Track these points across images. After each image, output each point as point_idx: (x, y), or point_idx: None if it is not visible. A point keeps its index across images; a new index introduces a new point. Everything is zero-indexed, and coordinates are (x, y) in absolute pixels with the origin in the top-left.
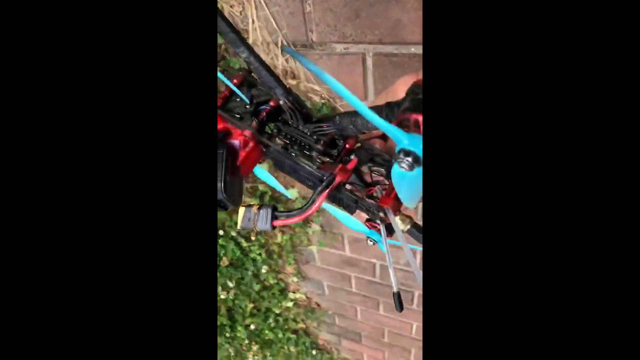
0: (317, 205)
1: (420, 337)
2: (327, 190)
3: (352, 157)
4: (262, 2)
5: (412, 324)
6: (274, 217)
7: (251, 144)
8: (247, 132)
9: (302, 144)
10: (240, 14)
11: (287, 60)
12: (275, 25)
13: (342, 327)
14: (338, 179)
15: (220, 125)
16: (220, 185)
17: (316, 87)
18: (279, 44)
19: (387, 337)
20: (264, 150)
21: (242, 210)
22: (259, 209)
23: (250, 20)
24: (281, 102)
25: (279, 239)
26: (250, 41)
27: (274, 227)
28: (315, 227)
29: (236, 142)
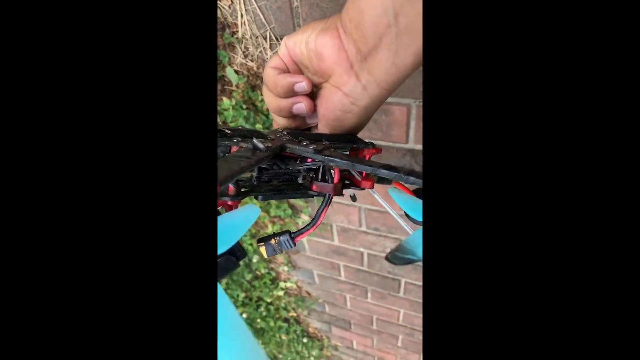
0: (321, 219)
1: (407, 324)
2: (326, 208)
3: (333, 169)
4: None
5: (399, 311)
6: (293, 238)
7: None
8: (229, 201)
9: (289, 179)
10: (229, 7)
11: None
12: (263, 20)
13: (332, 315)
14: (333, 196)
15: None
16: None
17: None
18: (268, 38)
19: (376, 325)
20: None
21: (262, 248)
22: (277, 240)
23: (239, 14)
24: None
25: (269, 229)
26: (239, 35)
27: (295, 244)
28: (305, 217)
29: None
